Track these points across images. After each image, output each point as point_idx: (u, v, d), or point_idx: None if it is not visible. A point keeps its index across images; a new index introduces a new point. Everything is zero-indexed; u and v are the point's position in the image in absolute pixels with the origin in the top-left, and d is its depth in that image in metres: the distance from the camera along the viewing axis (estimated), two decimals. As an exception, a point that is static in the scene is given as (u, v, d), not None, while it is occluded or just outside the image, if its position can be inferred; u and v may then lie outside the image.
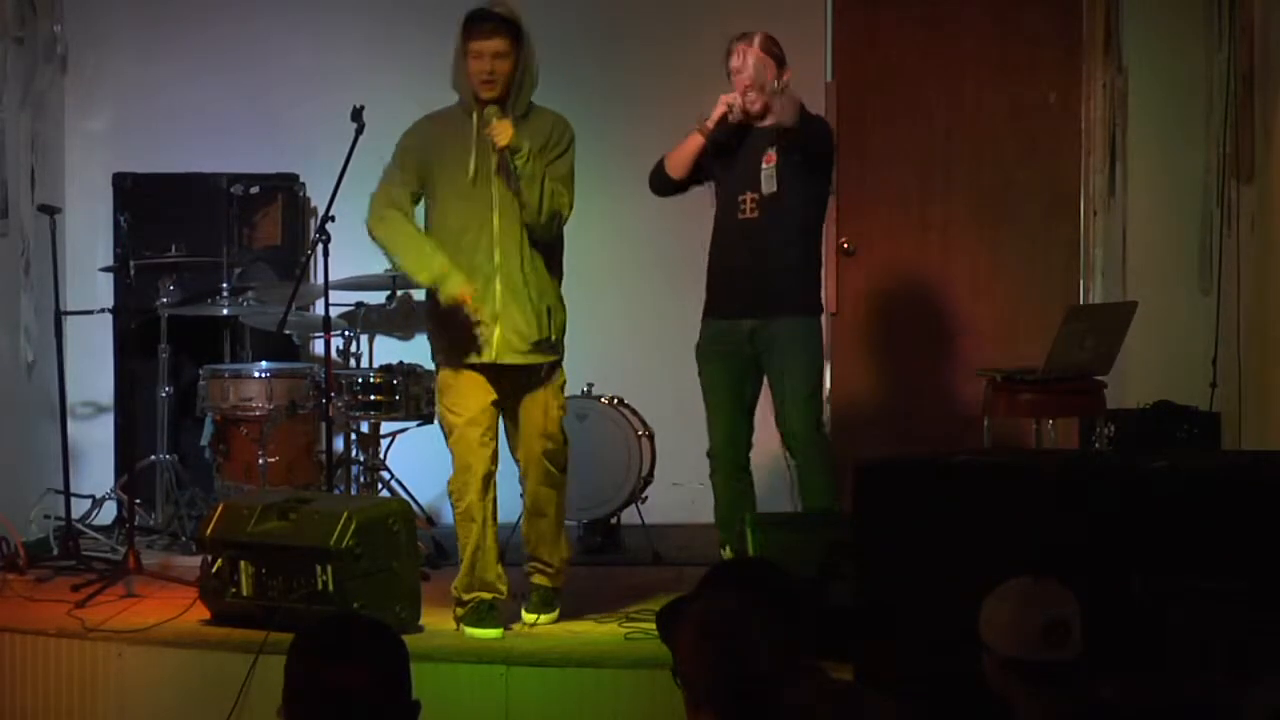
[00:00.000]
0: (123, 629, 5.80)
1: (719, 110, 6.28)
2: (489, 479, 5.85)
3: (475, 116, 5.78)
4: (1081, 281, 8.15)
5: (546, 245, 5.86)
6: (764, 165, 6.29)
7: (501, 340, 5.78)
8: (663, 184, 6.46)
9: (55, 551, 6.96)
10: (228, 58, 8.16)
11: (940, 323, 8.18)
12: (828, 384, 7.78)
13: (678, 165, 6.37)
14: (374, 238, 5.90)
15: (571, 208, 5.87)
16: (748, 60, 6.28)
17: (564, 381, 5.99)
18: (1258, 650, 4.43)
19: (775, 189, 6.26)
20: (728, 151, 6.36)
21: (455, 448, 5.85)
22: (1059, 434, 6.91)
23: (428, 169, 5.85)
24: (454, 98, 5.93)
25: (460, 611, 5.87)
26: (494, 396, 5.85)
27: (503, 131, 5.69)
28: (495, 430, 5.89)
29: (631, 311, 8.00)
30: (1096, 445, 6.96)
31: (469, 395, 5.82)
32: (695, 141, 6.32)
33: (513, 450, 5.99)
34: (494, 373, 5.83)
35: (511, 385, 5.87)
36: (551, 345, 5.88)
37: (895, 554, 4.89)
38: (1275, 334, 6.79)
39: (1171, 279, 7.85)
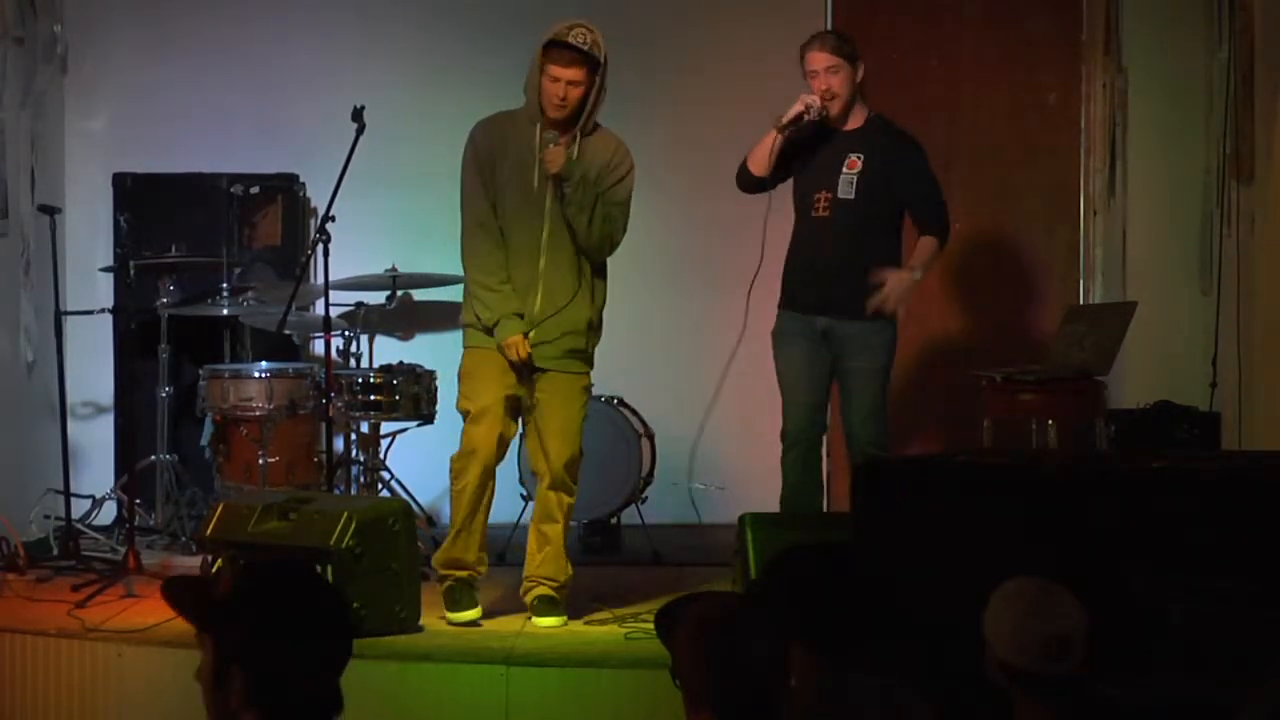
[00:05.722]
0: (123, 629, 5.79)
1: (796, 109, 6.28)
2: (490, 467, 5.96)
3: (539, 128, 5.90)
4: (1081, 281, 8.15)
5: (595, 264, 6.01)
6: (845, 170, 6.32)
7: (535, 344, 5.89)
8: (748, 182, 6.43)
9: (55, 551, 6.96)
10: (228, 58, 8.15)
11: (940, 323, 8.17)
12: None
13: (757, 163, 6.36)
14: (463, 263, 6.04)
15: (624, 233, 6.00)
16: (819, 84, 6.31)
17: (589, 392, 6.09)
18: (1258, 650, 4.43)
19: (853, 195, 6.31)
20: (807, 148, 6.38)
21: (465, 433, 5.97)
22: (1059, 434, 6.90)
23: (491, 169, 5.93)
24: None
25: (442, 590, 5.99)
26: (513, 390, 5.93)
27: (555, 159, 5.84)
28: (507, 423, 5.96)
29: (632, 312, 7.99)
30: (1096, 445, 6.96)
31: (487, 384, 5.92)
32: (769, 138, 6.31)
33: (531, 452, 6.07)
34: (525, 370, 5.93)
35: (539, 387, 5.96)
36: (584, 357, 6.02)
37: (895, 554, 4.88)
38: (1275, 334, 6.78)
39: (1171, 279, 7.85)
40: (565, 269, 5.91)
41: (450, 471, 6.02)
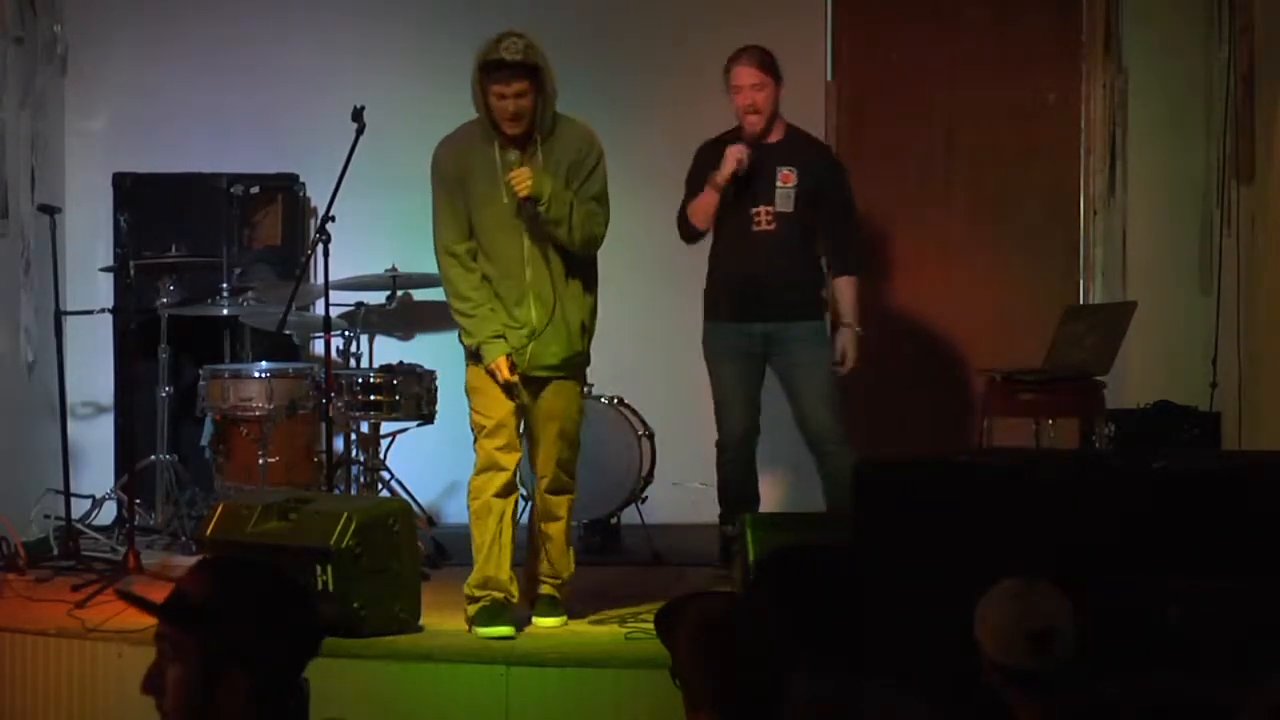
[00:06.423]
0: (123, 629, 5.77)
1: (729, 167, 6.53)
2: (511, 482, 5.89)
3: (497, 145, 5.77)
4: (1081, 281, 8.15)
5: (580, 260, 5.90)
6: (780, 184, 6.61)
7: (534, 355, 5.83)
8: (691, 234, 6.76)
9: (55, 551, 6.96)
10: (228, 58, 8.16)
11: (940, 323, 8.18)
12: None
13: (704, 219, 6.66)
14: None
15: (607, 224, 5.89)
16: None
17: (584, 388, 6.07)
18: (1258, 650, 4.43)
19: (791, 208, 6.60)
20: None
21: (480, 450, 5.89)
22: (1059, 434, 6.91)
23: (460, 187, 5.83)
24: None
25: (471, 611, 5.83)
26: (520, 400, 5.89)
27: (521, 181, 5.70)
28: (519, 435, 5.94)
29: (631, 311, 8.00)
30: (1096, 445, 6.96)
31: (498, 399, 5.85)
32: (712, 197, 6.58)
33: (530, 451, 6.02)
34: (522, 379, 5.86)
35: (537, 388, 5.91)
36: (582, 358, 5.99)
37: (895, 554, 4.88)
38: (1275, 334, 6.79)
39: (1171, 279, 7.85)
40: (553, 275, 5.83)
41: (469, 492, 5.91)
